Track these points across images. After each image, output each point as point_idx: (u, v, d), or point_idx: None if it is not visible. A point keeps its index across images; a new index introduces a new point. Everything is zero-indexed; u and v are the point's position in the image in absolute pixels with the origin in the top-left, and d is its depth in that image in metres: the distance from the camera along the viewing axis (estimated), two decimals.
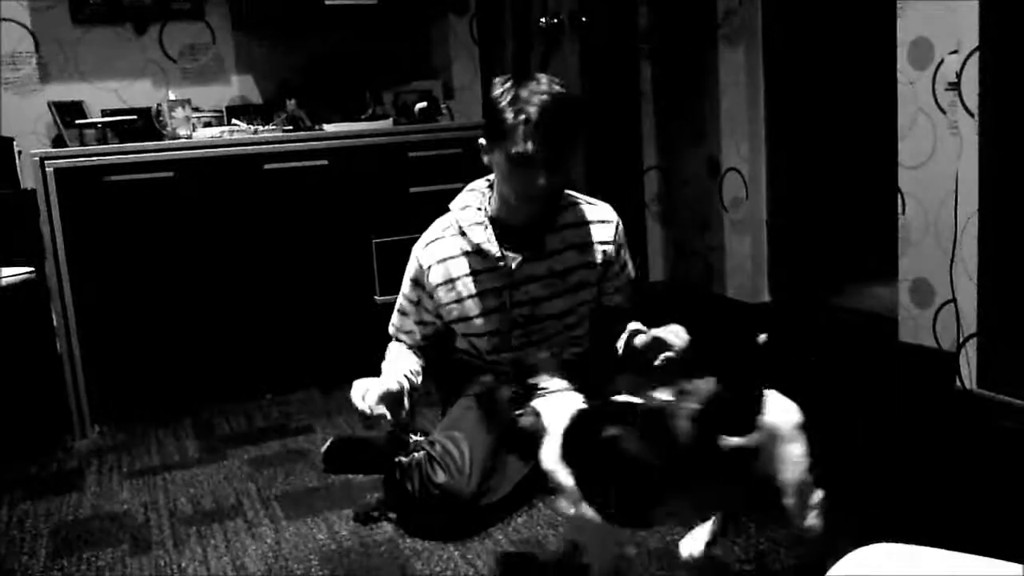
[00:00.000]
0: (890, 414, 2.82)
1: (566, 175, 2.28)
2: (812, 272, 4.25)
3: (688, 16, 4.30)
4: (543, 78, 2.17)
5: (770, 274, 4.22)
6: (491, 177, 2.33)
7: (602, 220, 2.38)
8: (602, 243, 2.36)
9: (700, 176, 4.40)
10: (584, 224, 2.36)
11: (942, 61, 3.03)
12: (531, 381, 1.77)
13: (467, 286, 2.33)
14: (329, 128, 3.49)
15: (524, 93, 2.12)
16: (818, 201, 4.25)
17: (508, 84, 2.16)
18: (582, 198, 2.40)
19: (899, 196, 3.25)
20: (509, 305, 2.32)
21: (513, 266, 2.30)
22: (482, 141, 2.24)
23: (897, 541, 1.12)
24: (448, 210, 2.38)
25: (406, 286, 2.42)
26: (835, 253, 4.30)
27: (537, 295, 2.32)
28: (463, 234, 2.31)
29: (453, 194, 2.40)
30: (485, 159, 2.26)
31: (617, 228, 2.40)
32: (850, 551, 1.11)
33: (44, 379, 3.20)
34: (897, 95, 3.21)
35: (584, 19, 3.82)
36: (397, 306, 2.47)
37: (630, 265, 2.46)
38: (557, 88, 2.15)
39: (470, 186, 2.41)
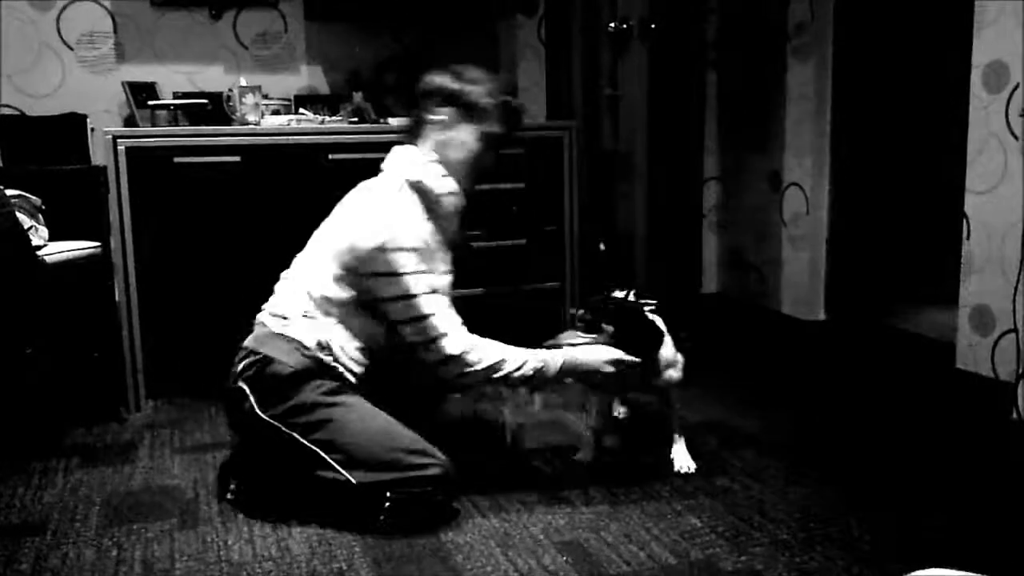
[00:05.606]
0: (945, 440, 2.77)
1: None
2: (870, 292, 4.20)
3: (758, 27, 4.28)
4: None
5: (827, 291, 4.17)
6: (422, 150, 2.41)
7: None
8: None
9: (761, 189, 4.37)
10: None
11: (1017, 85, 2.97)
12: None
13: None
14: (394, 122, 3.51)
15: (495, 82, 2.40)
16: (880, 220, 4.20)
17: (472, 71, 2.37)
18: None
19: (964, 221, 3.20)
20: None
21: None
22: (443, 117, 2.36)
23: (951, 568, 1.12)
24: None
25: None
26: (895, 274, 4.24)
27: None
28: (435, 202, 2.40)
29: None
30: (446, 135, 2.37)
31: None
32: None
33: (103, 352, 3.28)
34: (968, 118, 3.16)
35: (653, 26, 3.81)
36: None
37: None
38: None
39: (414, 158, 2.42)
